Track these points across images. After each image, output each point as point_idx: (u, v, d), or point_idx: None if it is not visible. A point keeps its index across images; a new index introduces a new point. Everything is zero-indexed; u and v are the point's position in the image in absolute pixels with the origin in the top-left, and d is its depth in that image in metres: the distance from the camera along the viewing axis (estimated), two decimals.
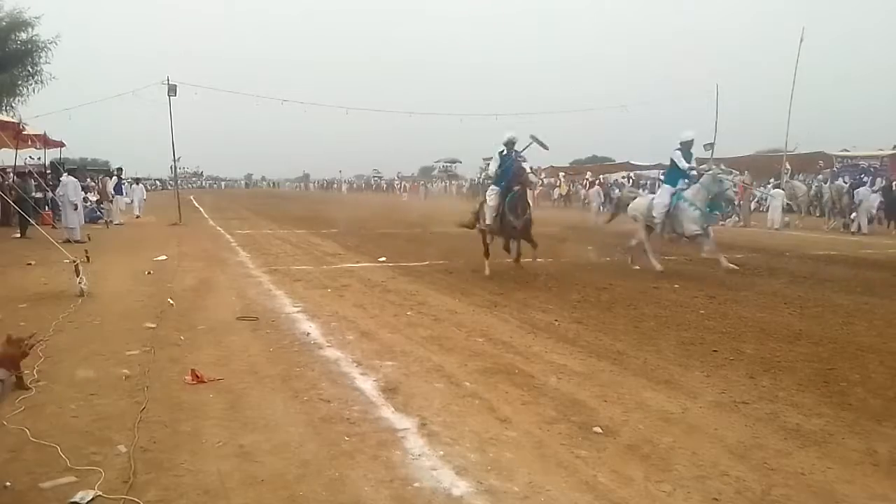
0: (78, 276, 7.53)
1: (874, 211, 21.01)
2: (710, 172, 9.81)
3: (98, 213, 20.00)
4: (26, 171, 18.59)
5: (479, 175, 63.21)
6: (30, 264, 10.11)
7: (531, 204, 9.68)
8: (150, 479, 2.99)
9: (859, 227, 19.79)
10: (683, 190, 10.03)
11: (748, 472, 3.15)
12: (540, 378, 4.62)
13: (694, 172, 10.02)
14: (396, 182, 71.47)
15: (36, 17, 23.44)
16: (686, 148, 10.18)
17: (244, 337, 5.75)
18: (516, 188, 9.19)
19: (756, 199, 26.49)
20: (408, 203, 42.50)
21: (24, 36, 23.57)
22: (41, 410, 3.82)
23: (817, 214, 24.99)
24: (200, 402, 4.07)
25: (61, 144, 22.76)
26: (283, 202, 40.65)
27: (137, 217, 23.20)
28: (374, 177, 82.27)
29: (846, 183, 24.56)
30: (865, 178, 27.31)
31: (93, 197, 20.79)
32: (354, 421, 3.75)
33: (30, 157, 23.40)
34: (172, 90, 21.28)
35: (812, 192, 25.65)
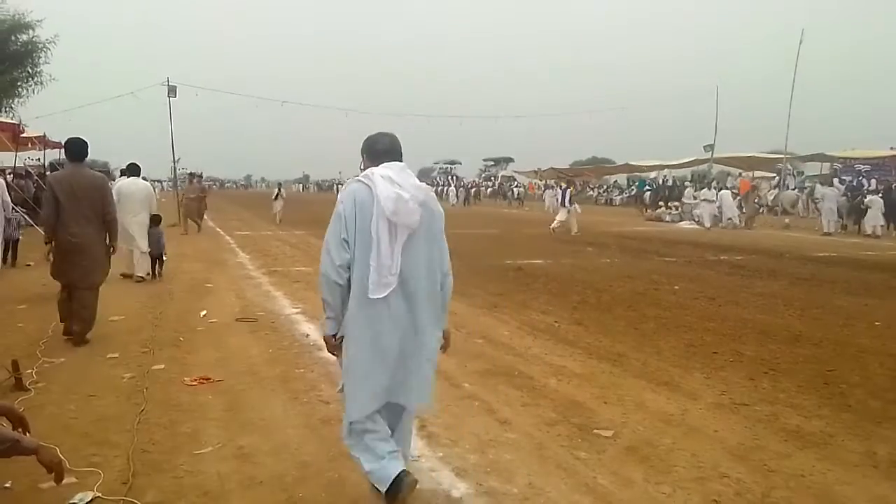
0: None
1: (882, 214, 21.01)
2: None
3: None
4: (23, 172, 18.57)
5: (479, 176, 63.24)
6: (29, 265, 10.10)
7: None
8: (148, 480, 2.98)
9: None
10: None
11: (748, 474, 3.15)
12: (540, 380, 4.62)
13: None
14: None
15: (38, 21, 23.46)
16: None
17: (243, 338, 5.74)
18: None
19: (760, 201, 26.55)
20: None
21: (24, 37, 23.58)
22: (40, 411, 3.81)
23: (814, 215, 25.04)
24: (199, 403, 4.06)
25: (60, 146, 22.78)
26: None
27: None
28: None
29: (843, 184, 24.62)
30: (864, 181, 27.39)
31: None
32: None
33: (29, 157, 23.40)
34: (172, 91, 21.30)
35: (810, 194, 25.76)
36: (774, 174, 32.51)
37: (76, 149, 5.55)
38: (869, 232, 19.25)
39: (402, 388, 2.69)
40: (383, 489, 2.63)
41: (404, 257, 2.59)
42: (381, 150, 2.76)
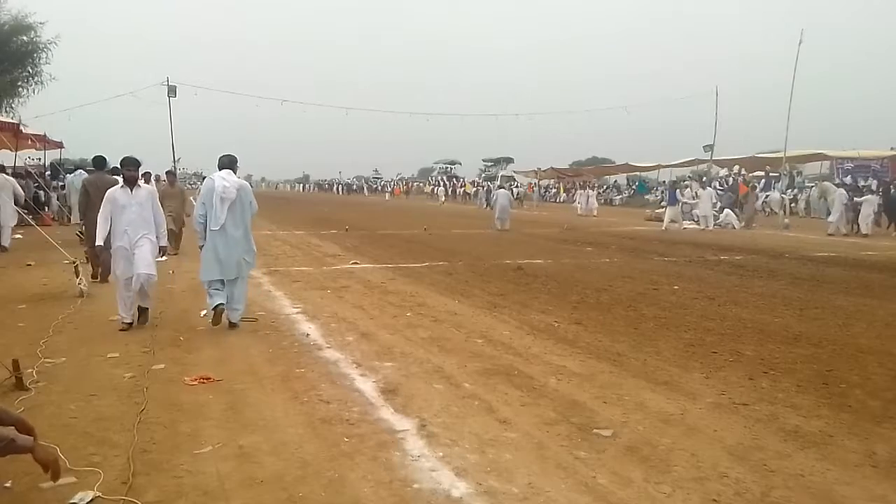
0: (77, 277, 7.52)
1: (877, 213, 21.07)
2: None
3: None
4: (23, 171, 18.56)
5: (478, 176, 63.25)
6: (29, 265, 10.11)
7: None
8: (149, 480, 2.99)
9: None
10: None
11: (747, 474, 3.15)
12: (539, 379, 4.62)
13: None
14: (383, 183, 78.21)
15: (40, 24, 23.44)
16: None
17: (244, 338, 5.75)
18: None
19: (760, 201, 26.48)
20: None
21: (24, 38, 23.56)
22: (40, 411, 3.81)
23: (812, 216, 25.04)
24: (200, 402, 4.07)
25: (60, 145, 22.79)
26: (281, 203, 40.61)
27: None
28: (373, 177, 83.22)
29: (843, 183, 24.61)
30: (869, 179, 27.40)
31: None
32: (354, 422, 3.75)
33: (29, 157, 23.40)
34: (172, 91, 21.33)
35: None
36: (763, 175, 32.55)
37: (99, 161, 8.97)
38: (865, 231, 19.46)
39: (229, 270, 5.98)
40: (210, 310, 5.99)
41: (230, 213, 5.95)
42: (221, 164, 6.12)
